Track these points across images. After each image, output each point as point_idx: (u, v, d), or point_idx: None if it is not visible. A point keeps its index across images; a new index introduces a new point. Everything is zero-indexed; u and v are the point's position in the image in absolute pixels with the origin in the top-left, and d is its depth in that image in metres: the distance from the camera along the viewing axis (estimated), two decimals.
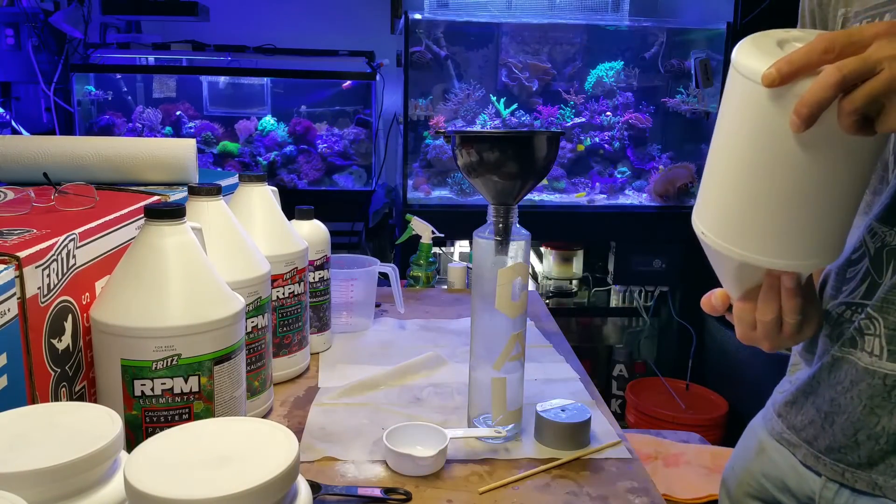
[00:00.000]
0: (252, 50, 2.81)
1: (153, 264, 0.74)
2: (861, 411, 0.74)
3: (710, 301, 0.75)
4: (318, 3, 3.06)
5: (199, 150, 2.18)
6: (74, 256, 0.74)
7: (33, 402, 0.67)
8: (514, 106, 2.77)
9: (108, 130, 2.81)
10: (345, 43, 2.92)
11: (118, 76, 2.94)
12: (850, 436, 0.75)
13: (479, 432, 0.90)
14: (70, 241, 0.73)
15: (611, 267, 2.81)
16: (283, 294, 1.03)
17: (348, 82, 2.96)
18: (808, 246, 0.63)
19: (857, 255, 0.75)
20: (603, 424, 0.96)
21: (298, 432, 0.91)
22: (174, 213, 0.76)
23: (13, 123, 2.60)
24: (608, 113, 2.86)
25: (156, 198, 0.97)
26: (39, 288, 0.68)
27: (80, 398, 0.76)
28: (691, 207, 0.70)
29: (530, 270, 2.69)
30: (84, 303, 0.76)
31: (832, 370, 0.77)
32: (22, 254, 0.65)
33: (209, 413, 0.75)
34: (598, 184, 2.79)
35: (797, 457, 0.81)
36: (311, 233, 1.13)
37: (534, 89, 2.82)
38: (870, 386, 0.73)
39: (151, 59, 2.96)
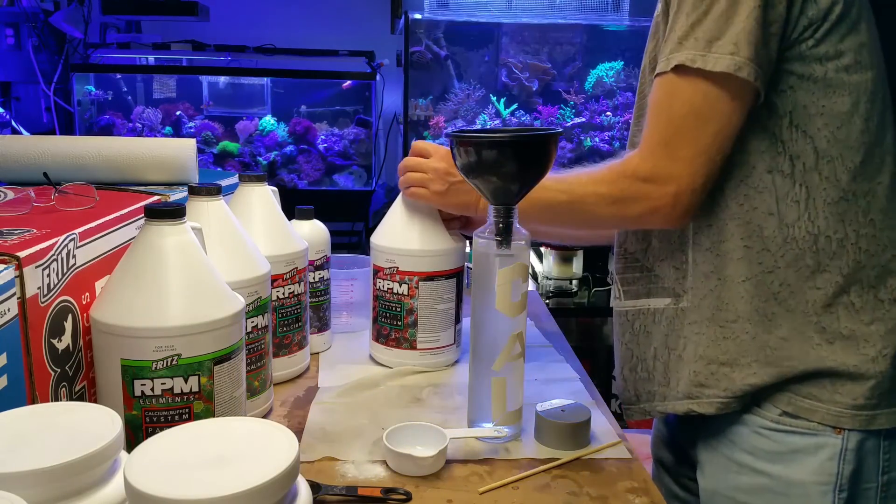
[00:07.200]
0: (252, 50, 2.80)
1: (153, 264, 0.74)
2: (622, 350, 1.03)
3: None
4: (318, 3, 3.05)
5: (199, 150, 2.18)
6: (74, 256, 0.74)
7: (33, 402, 0.67)
8: (515, 106, 2.76)
9: (108, 130, 2.81)
10: (345, 43, 2.92)
11: (118, 76, 2.93)
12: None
13: (479, 432, 0.90)
14: (70, 241, 0.73)
15: (611, 267, 2.81)
16: (283, 294, 1.03)
17: (348, 82, 2.96)
18: None
19: None
20: (603, 424, 0.96)
21: (298, 432, 0.91)
22: (174, 213, 0.76)
23: (13, 123, 2.60)
24: (608, 113, 2.86)
25: (156, 198, 0.97)
26: (39, 288, 0.68)
27: (80, 398, 0.76)
28: None
29: (530, 270, 2.69)
30: (84, 303, 0.76)
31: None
32: (22, 254, 0.65)
33: (209, 413, 0.75)
34: None
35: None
36: (311, 233, 1.13)
37: (534, 89, 2.81)
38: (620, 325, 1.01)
39: (151, 59, 2.96)
